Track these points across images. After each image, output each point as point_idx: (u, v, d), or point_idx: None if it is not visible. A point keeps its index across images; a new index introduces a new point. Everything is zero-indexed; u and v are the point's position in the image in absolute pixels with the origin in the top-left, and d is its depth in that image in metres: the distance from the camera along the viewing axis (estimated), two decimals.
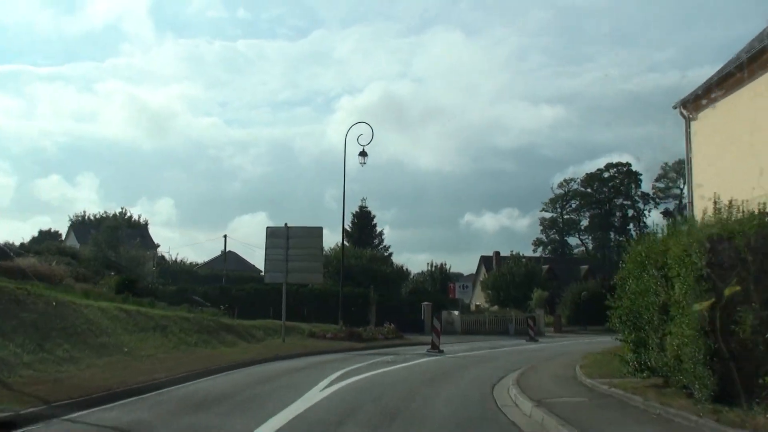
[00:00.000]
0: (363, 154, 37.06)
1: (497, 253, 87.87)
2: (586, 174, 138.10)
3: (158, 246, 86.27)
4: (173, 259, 76.47)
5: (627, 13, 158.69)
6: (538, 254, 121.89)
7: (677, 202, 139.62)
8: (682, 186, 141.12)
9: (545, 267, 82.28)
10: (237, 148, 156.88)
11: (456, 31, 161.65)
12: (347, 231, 67.18)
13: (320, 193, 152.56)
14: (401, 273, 61.94)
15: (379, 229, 71.01)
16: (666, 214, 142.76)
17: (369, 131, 37.54)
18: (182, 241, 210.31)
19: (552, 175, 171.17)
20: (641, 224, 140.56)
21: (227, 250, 76.17)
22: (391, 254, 68.70)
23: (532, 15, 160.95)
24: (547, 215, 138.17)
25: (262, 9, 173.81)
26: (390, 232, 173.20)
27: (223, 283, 56.33)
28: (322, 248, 30.47)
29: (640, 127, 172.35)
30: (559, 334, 53.06)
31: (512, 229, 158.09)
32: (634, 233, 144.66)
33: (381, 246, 69.07)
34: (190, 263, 77.65)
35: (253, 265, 79.77)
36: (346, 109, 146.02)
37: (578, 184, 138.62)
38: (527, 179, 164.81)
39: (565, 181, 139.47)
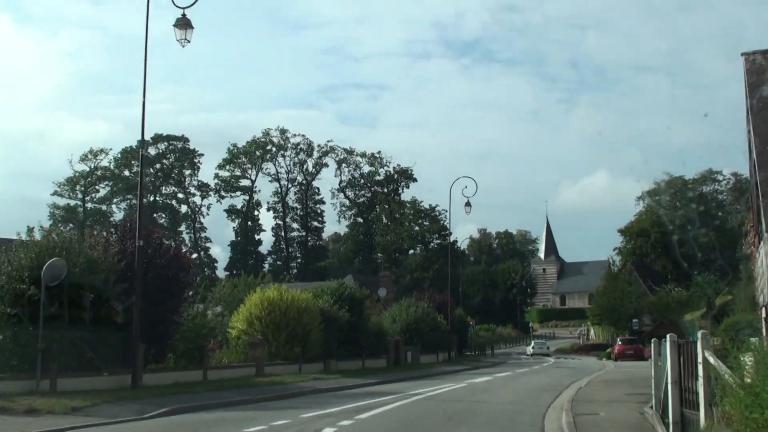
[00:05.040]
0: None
1: None
2: (123, 148, 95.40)
3: None
4: None
5: (179, 51, 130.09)
6: None
7: (247, 196, 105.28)
8: (254, 177, 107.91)
9: None
10: None
11: None
12: None
13: None
14: None
15: None
16: (232, 212, 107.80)
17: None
18: None
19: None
20: (197, 225, 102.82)
21: None
22: None
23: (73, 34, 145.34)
24: (61, 202, 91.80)
25: None
26: None
27: None
28: None
29: None
30: None
31: None
32: (187, 237, 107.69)
33: None
34: None
35: None
36: None
37: (111, 162, 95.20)
38: None
39: (91, 152, 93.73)
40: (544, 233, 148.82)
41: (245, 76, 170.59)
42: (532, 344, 70.11)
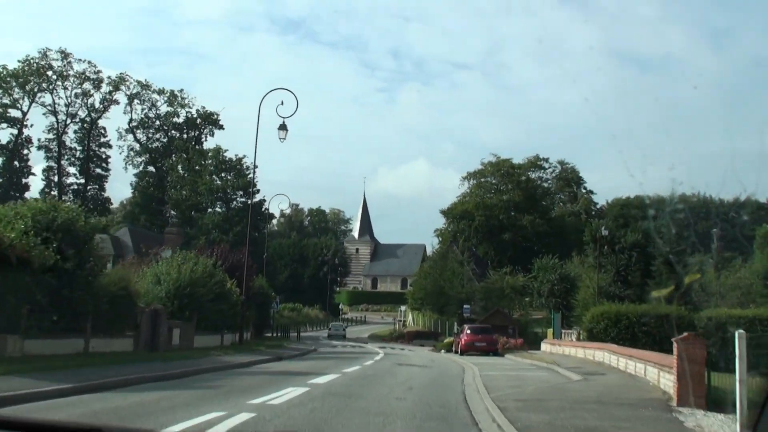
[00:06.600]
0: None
1: None
2: None
3: None
4: None
5: None
6: None
7: (15, 130, 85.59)
8: (26, 108, 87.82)
9: None
10: None
11: None
12: None
13: None
14: None
15: None
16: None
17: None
18: None
19: None
20: None
21: None
22: None
23: None
24: None
25: None
26: None
27: None
28: None
29: None
30: None
31: None
32: None
33: None
34: None
35: None
36: None
37: None
38: None
39: None
40: (360, 211, 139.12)
41: (54, 30, 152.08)
42: (330, 327, 70.11)
